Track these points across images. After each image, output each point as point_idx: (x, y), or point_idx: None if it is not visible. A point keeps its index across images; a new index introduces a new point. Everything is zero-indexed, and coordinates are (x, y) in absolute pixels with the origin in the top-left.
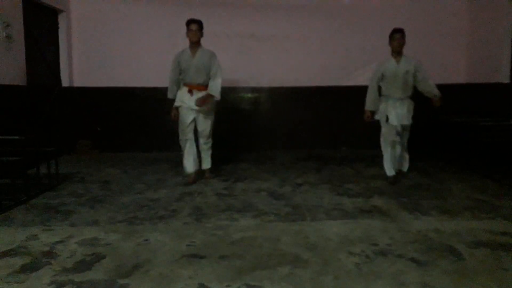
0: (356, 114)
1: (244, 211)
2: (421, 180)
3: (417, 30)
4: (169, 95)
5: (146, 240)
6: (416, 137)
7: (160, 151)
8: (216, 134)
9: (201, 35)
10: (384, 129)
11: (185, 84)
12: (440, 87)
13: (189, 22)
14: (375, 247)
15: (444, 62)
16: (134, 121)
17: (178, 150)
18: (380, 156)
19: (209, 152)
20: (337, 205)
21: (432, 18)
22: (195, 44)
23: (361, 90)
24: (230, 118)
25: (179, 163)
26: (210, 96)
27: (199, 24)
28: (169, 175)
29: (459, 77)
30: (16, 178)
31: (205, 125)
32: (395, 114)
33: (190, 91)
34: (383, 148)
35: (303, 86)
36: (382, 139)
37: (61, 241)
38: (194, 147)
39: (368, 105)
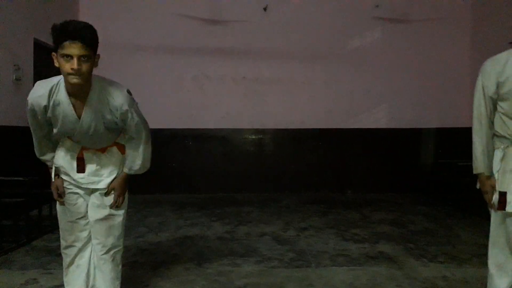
0: (362, 157)
1: (247, 256)
2: (428, 225)
3: (419, 73)
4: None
5: (147, 285)
6: (422, 181)
7: (163, 193)
8: (220, 176)
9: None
10: (494, 225)
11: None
12: (444, 131)
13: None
14: None
15: (447, 105)
16: None
17: (181, 192)
18: (387, 201)
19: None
20: (343, 251)
21: (434, 62)
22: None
23: (366, 133)
24: (234, 159)
25: (181, 205)
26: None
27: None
28: (171, 218)
29: (464, 121)
30: (18, 219)
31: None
32: None
33: (80, 160)
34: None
35: (308, 129)
36: (490, 245)
37: (60, 285)
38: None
39: (481, 165)
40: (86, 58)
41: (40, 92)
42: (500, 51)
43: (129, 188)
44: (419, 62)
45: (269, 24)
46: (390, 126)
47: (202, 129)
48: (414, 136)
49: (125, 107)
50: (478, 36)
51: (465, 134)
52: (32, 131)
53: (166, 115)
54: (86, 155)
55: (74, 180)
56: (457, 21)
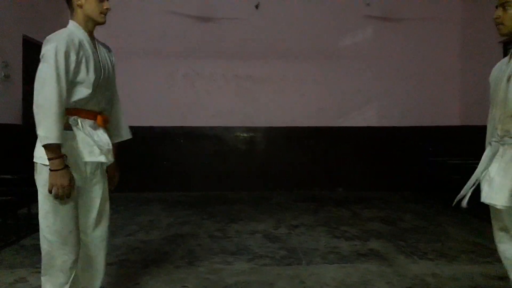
0: (352, 155)
1: (238, 254)
2: (418, 222)
3: (410, 72)
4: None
5: (137, 283)
6: (412, 179)
7: (154, 191)
8: (211, 174)
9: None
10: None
11: (83, 112)
12: (434, 129)
13: None
14: None
15: (438, 104)
16: (128, 160)
17: (172, 190)
18: (377, 198)
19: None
20: (334, 248)
21: (425, 61)
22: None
23: (357, 131)
24: (225, 157)
25: (172, 203)
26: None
27: None
28: (162, 216)
29: (454, 119)
30: (7, 218)
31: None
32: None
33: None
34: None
35: (299, 127)
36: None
37: None
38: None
39: None
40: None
41: (64, 32)
42: (489, 50)
43: (120, 186)
44: (410, 60)
45: (260, 22)
46: (380, 125)
47: (194, 127)
48: (404, 134)
49: (112, 54)
50: (468, 36)
51: (455, 133)
52: (52, 99)
53: (157, 113)
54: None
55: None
56: (448, 21)
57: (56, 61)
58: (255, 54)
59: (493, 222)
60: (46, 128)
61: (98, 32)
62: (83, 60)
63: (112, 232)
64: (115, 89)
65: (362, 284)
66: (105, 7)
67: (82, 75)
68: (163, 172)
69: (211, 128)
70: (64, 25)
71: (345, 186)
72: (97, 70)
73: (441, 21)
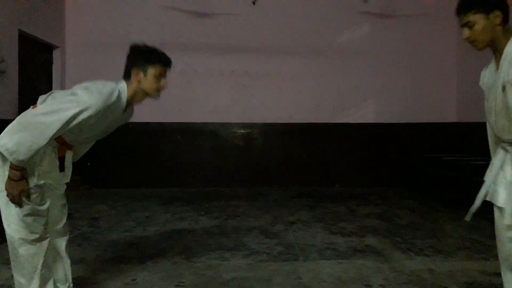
0: (349, 152)
1: (235, 250)
2: (414, 219)
3: (407, 69)
4: (23, 164)
5: (134, 279)
6: (408, 175)
7: (150, 187)
8: (208, 170)
9: None
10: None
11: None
12: (431, 125)
13: (167, 63)
14: None
15: (434, 100)
16: (124, 157)
17: (168, 186)
18: (374, 195)
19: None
20: (331, 244)
21: (422, 57)
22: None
23: (354, 128)
24: (222, 153)
25: (169, 199)
26: None
27: None
28: (159, 213)
29: (450, 116)
30: None
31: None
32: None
33: (61, 159)
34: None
35: (296, 123)
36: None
37: None
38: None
39: None
40: None
41: (111, 96)
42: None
43: (117, 182)
44: (407, 57)
45: (258, 18)
46: (377, 121)
47: (190, 123)
48: (400, 131)
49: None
50: None
51: (451, 129)
52: (47, 132)
53: (154, 109)
54: (67, 154)
55: (53, 179)
56: (444, 17)
57: (77, 114)
58: (252, 50)
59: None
60: (23, 153)
61: (94, 23)
62: (98, 121)
63: (109, 228)
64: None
65: (359, 280)
66: (162, 85)
67: (86, 130)
68: (160, 168)
69: (208, 124)
70: (59, 20)
71: (342, 182)
72: (100, 130)
73: (438, 18)
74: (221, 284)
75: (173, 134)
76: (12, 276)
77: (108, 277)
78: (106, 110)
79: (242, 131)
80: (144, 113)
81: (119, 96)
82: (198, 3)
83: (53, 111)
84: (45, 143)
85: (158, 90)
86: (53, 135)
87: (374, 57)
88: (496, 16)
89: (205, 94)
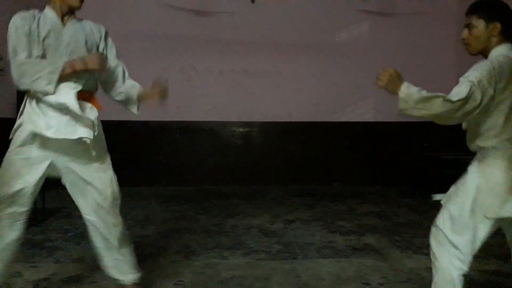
0: (348, 150)
1: (234, 248)
2: (412, 217)
3: (406, 67)
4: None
5: None
6: (408, 174)
7: (149, 185)
8: (207, 169)
9: None
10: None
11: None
12: (431, 124)
13: None
14: (367, 287)
15: None
16: (123, 155)
17: (167, 185)
18: (373, 193)
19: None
20: (329, 243)
21: (420, 55)
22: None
23: (353, 126)
24: (221, 152)
25: (168, 198)
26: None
27: None
28: (157, 211)
29: None
30: None
31: (103, 180)
32: None
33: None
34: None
35: (295, 121)
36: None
37: (45, 279)
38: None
39: None
40: None
41: (23, 13)
42: None
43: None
44: (406, 55)
45: (257, 16)
46: (376, 120)
47: (189, 121)
48: (400, 129)
49: (104, 29)
50: None
51: (450, 128)
52: (17, 56)
53: (152, 108)
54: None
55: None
56: (443, 15)
57: (10, 34)
58: (251, 49)
59: None
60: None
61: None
62: (39, 29)
63: None
64: (116, 61)
65: (358, 278)
66: None
67: (36, 41)
68: (159, 166)
69: (207, 122)
70: None
71: (341, 181)
72: (52, 35)
73: (437, 16)
74: (220, 283)
75: (172, 132)
76: (10, 275)
77: (106, 276)
78: (32, 20)
79: (241, 129)
80: (143, 111)
81: (39, 11)
82: (197, 2)
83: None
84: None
85: None
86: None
87: (373, 55)
88: (495, 28)
89: (204, 92)
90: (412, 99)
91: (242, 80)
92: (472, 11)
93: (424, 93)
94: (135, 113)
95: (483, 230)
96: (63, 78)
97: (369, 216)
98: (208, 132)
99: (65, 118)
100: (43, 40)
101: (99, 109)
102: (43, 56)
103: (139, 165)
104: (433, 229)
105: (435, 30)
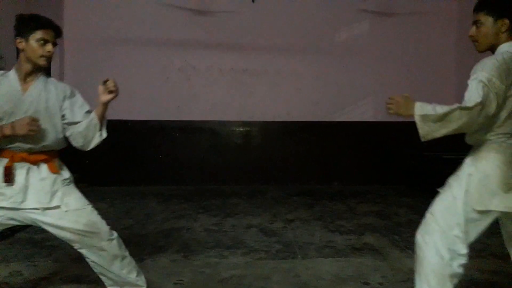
0: (348, 150)
1: (233, 248)
2: (412, 216)
3: (406, 67)
4: None
5: None
6: (407, 173)
7: (149, 185)
8: (207, 168)
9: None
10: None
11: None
12: None
13: (46, 25)
14: (367, 286)
15: (433, 99)
16: (123, 154)
17: (167, 184)
18: (372, 193)
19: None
20: (329, 242)
21: (421, 55)
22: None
23: (353, 125)
24: (221, 151)
25: (168, 197)
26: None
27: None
28: (157, 210)
29: None
30: None
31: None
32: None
33: (8, 174)
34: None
35: (295, 121)
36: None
37: (45, 278)
38: None
39: None
40: (55, 46)
41: None
42: None
43: (115, 180)
44: (406, 55)
45: (257, 15)
46: (376, 119)
47: (189, 121)
48: (399, 128)
49: (69, 89)
50: (464, 30)
51: None
52: None
53: (152, 107)
54: (17, 165)
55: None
56: (444, 15)
57: None
58: (251, 48)
59: None
60: None
61: (93, 21)
62: None
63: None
64: (82, 115)
65: (357, 278)
66: (47, 50)
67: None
68: (158, 166)
69: (207, 122)
70: (57, 18)
71: (341, 180)
72: (10, 100)
73: (437, 16)
74: (220, 282)
75: (172, 131)
76: (10, 274)
77: None
78: None
79: (240, 128)
80: (142, 111)
81: (4, 73)
82: (198, 1)
83: None
84: None
85: (43, 56)
86: None
87: (373, 55)
88: (504, 24)
89: (203, 91)
90: (430, 120)
91: (241, 79)
92: (480, 8)
93: (439, 109)
94: (102, 137)
95: (474, 223)
96: (1, 142)
97: (368, 216)
98: (207, 132)
99: (17, 187)
100: (0, 106)
101: (54, 172)
102: (0, 121)
103: (138, 164)
104: (427, 215)
105: (435, 30)
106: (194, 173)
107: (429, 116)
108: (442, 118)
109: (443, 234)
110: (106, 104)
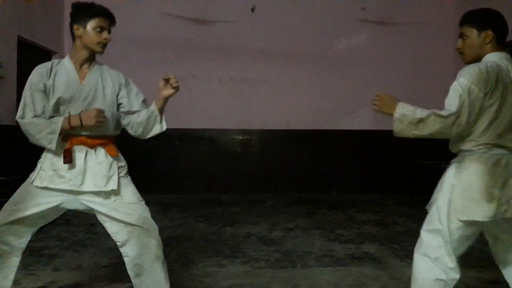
0: (347, 158)
1: (232, 257)
2: (411, 226)
3: (404, 76)
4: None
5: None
6: (406, 182)
7: (148, 193)
8: (206, 177)
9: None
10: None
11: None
12: None
13: (104, 14)
14: None
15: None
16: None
17: (166, 192)
18: (371, 202)
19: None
20: (329, 252)
21: (419, 65)
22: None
23: (352, 134)
24: (220, 160)
25: (167, 205)
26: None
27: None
28: (156, 219)
29: None
30: None
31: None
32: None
33: (67, 155)
34: None
35: (294, 129)
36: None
37: (43, 287)
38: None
39: None
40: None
41: (41, 68)
42: None
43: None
44: (404, 64)
45: (256, 25)
46: (375, 128)
47: (189, 129)
48: (398, 137)
49: (123, 77)
50: None
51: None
52: (28, 112)
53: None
54: (76, 148)
55: (59, 182)
56: (442, 24)
57: (27, 89)
58: (250, 57)
59: None
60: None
61: None
62: (55, 82)
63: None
64: (138, 103)
65: (357, 287)
66: (104, 37)
67: (51, 93)
68: (158, 174)
69: (206, 130)
70: (58, 26)
71: (340, 189)
72: (69, 89)
73: (436, 25)
74: None
75: (171, 140)
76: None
77: (105, 284)
78: (48, 75)
79: (240, 137)
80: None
81: (58, 62)
82: (197, 10)
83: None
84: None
85: (99, 43)
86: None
87: (372, 64)
88: (488, 35)
89: (203, 100)
90: (407, 120)
91: (241, 88)
92: (464, 21)
93: (418, 113)
94: (162, 129)
95: (459, 234)
96: (68, 131)
97: (368, 225)
98: (207, 140)
99: (75, 170)
100: (59, 95)
101: (113, 155)
102: (59, 110)
103: (138, 172)
104: (420, 232)
105: (434, 39)
106: (193, 182)
107: (407, 117)
108: (419, 122)
109: (433, 250)
110: (167, 98)
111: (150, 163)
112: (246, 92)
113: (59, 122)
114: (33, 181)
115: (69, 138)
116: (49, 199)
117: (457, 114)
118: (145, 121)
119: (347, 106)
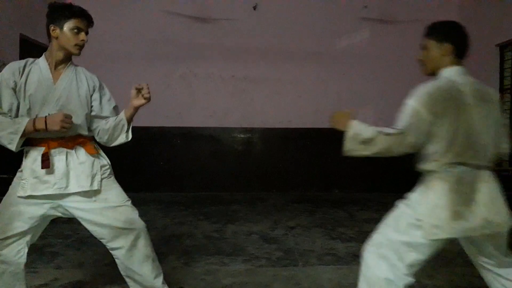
0: (348, 157)
1: (234, 255)
2: None
3: (406, 74)
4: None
5: None
6: (408, 181)
7: (150, 191)
8: (208, 175)
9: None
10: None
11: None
12: None
13: (80, 14)
14: None
15: None
16: (123, 161)
17: (167, 191)
18: (373, 200)
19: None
20: (330, 250)
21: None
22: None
23: None
24: (222, 158)
25: (168, 204)
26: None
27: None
28: (158, 217)
29: None
30: None
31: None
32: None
33: (45, 160)
34: None
35: (296, 128)
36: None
37: (45, 284)
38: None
39: None
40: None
41: (14, 65)
42: (486, 53)
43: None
44: (406, 62)
45: (258, 23)
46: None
47: (190, 127)
48: None
49: (98, 81)
50: None
51: None
52: None
53: (153, 113)
54: (55, 151)
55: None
56: None
57: None
58: (252, 55)
59: None
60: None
61: (95, 28)
62: (27, 81)
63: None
64: (108, 109)
65: None
66: (81, 39)
67: (23, 94)
68: (159, 172)
69: (208, 128)
70: None
71: (341, 187)
72: (41, 89)
73: None
74: None
75: (173, 138)
76: None
77: (106, 282)
78: (21, 73)
79: (241, 135)
80: (143, 117)
81: (33, 60)
82: (199, 8)
83: None
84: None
85: (76, 44)
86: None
87: (373, 62)
88: (446, 48)
89: (205, 98)
90: (357, 140)
91: (242, 86)
92: (426, 33)
93: (368, 132)
94: (128, 139)
95: (421, 250)
96: (32, 134)
97: (369, 223)
98: (208, 138)
99: (59, 173)
100: (30, 95)
101: (92, 153)
102: (29, 110)
103: (139, 171)
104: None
105: None
106: (194, 180)
107: (358, 137)
108: (368, 141)
109: (390, 248)
110: (137, 108)
111: (151, 161)
112: (247, 90)
113: (23, 123)
114: (16, 192)
115: (45, 142)
116: (35, 208)
117: (403, 133)
118: (112, 128)
119: (348, 104)
